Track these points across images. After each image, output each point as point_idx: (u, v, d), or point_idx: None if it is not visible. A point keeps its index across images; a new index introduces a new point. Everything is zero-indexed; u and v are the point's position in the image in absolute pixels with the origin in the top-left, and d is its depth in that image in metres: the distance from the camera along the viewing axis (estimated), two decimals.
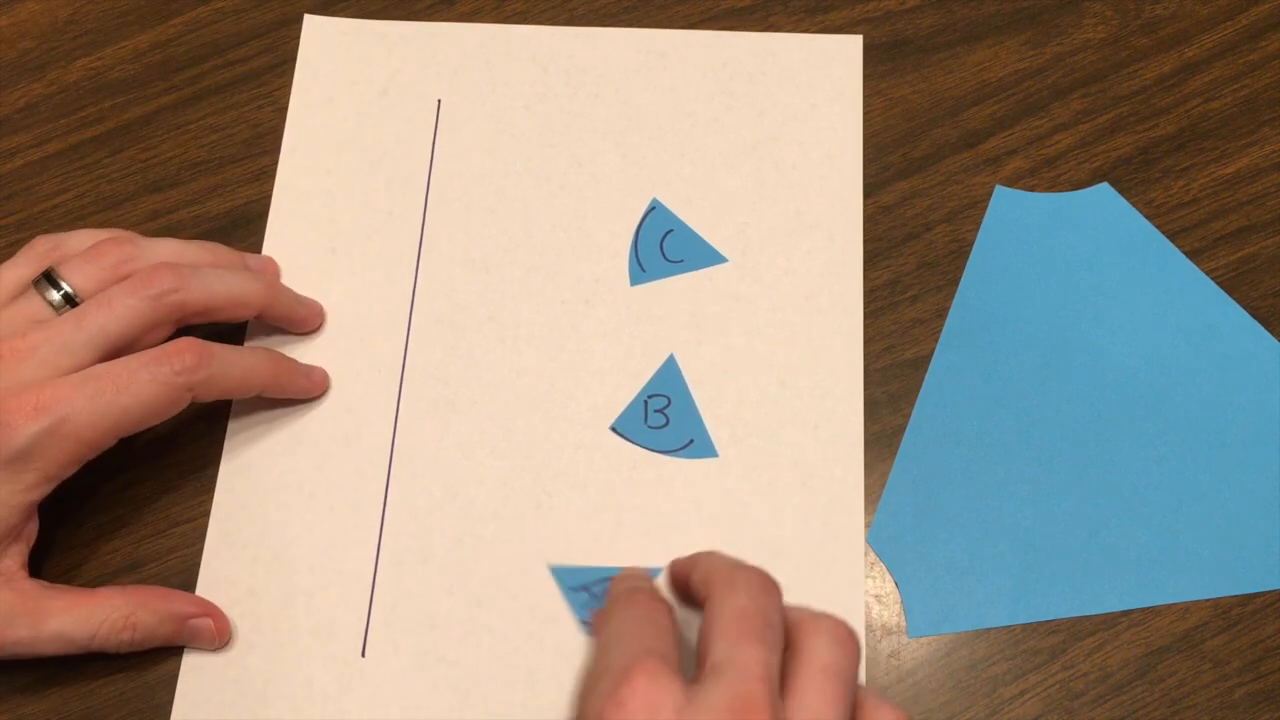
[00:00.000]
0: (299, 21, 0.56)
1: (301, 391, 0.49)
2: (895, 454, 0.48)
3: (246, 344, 0.50)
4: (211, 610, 0.46)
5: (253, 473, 0.48)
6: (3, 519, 0.42)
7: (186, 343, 0.44)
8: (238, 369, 0.45)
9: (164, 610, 0.45)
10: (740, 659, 0.35)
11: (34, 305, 0.45)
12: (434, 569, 0.47)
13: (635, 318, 0.50)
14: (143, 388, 0.43)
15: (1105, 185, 0.52)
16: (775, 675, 0.36)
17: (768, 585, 0.39)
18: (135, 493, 0.48)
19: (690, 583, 0.41)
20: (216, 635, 0.45)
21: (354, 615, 0.46)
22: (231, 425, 0.49)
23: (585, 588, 0.47)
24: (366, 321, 0.51)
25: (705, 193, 0.52)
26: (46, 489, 0.43)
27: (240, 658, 0.46)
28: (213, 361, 0.44)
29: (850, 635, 0.38)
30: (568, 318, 0.50)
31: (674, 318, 0.50)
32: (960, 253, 0.51)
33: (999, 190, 0.52)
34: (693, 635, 0.40)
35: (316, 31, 0.56)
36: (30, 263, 0.46)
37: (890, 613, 0.46)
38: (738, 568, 0.39)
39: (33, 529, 0.44)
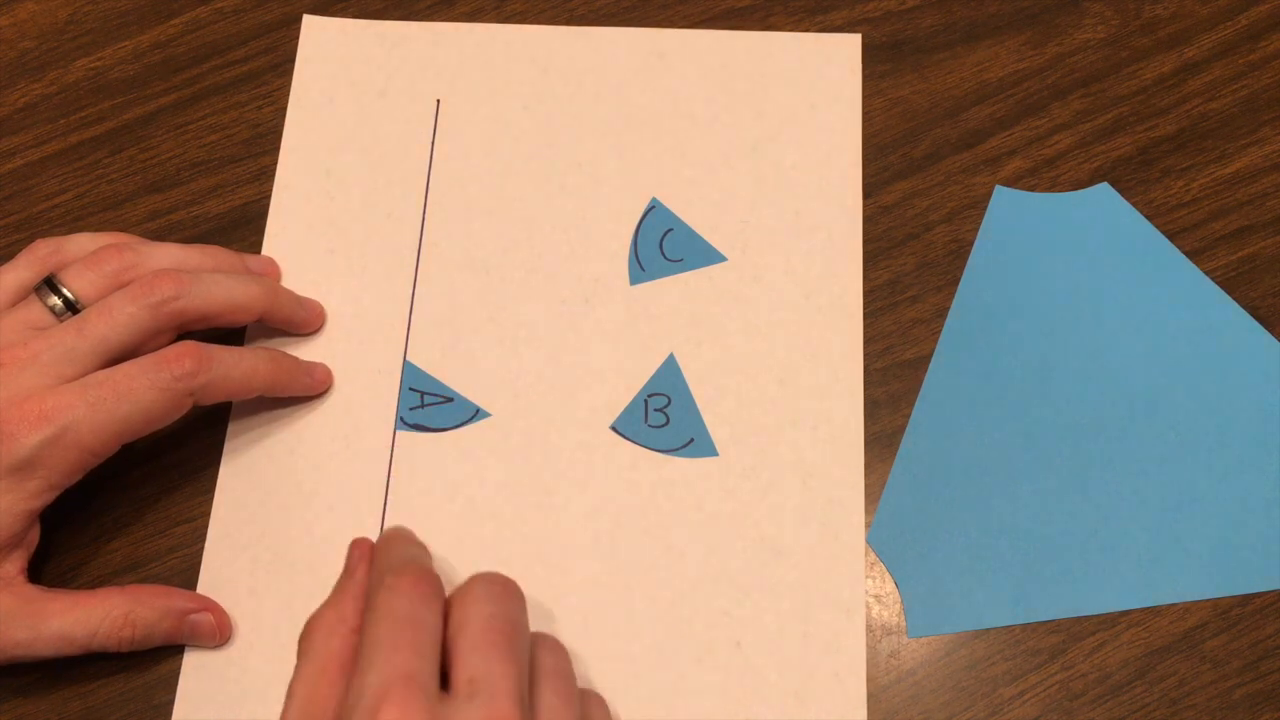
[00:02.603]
0: (299, 21, 0.56)
1: (304, 390, 0.49)
2: (895, 454, 0.48)
3: (247, 344, 0.50)
4: (211, 606, 0.46)
5: (253, 473, 0.48)
6: (6, 526, 0.43)
7: (186, 348, 0.44)
8: (238, 372, 0.45)
9: (163, 606, 0.45)
10: (493, 674, 0.36)
11: (35, 311, 0.45)
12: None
13: (635, 317, 0.50)
14: (143, 394, 0.43)
15: (1105, 185, 0.52)
16: (525, 690, 0.36)
17: (511, 590, 0.39)
18: (135, 493, 0.48)
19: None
20: (217, 631, 0.45)
21: None
22: (232, 425, 0.49)
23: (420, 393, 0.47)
24: (366, 321, 0.51)
25: (705, 192, 0.52)
26: (50, 497, 0.43)
27: (241, 658, 0.46)
28: (213, 366, 0.44)
29: (559, 645, 0.40)
30: (567, 317, 0.50)
31: (674, 317, 0.50)
32: (960, 253, 0.51)
33: (999, 190, 0.52)
34: None
35: (316, 31, 0.56)
36: (30, 266, 0.46)
37: (890, 613, 0.46)
38: (478, 577, 0.39)
39: (34, 535, 0.44)
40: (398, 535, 0.43)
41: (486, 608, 0.38)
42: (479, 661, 0.36)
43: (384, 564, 0.40)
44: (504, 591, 0.39)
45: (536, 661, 0.39)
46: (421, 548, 0.42)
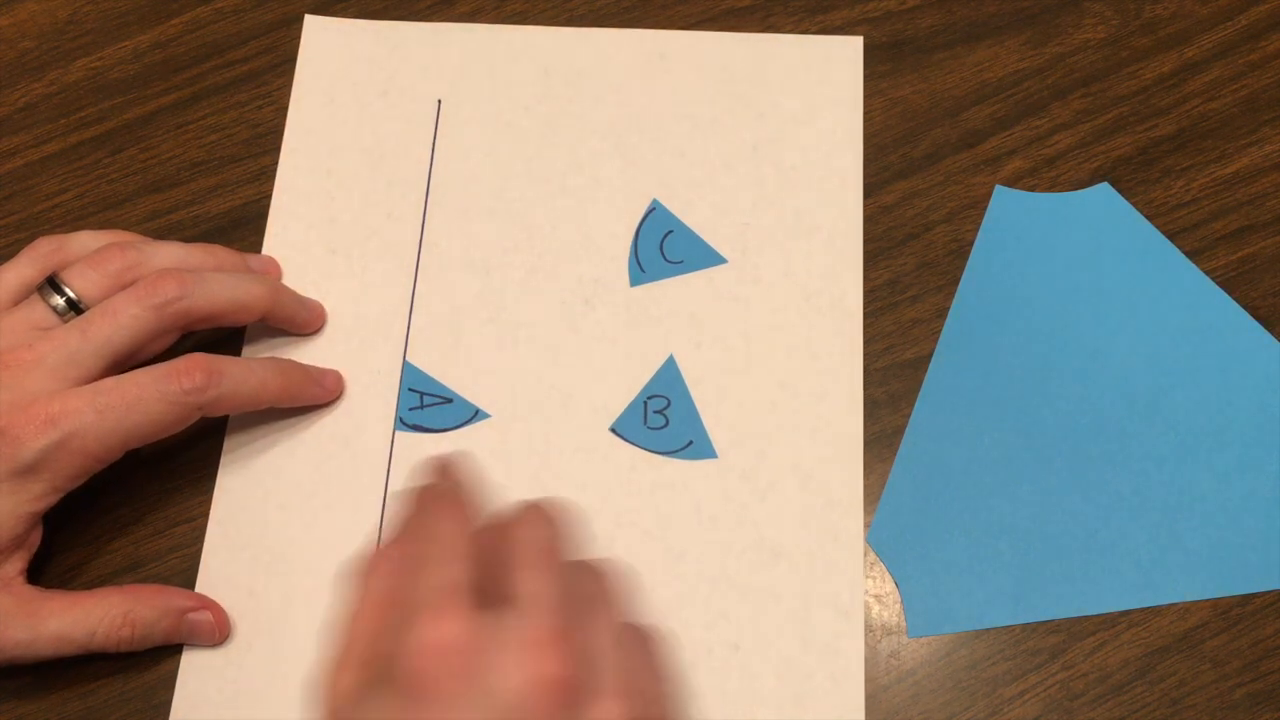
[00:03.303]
0: (299, 21, 0.56)
1: (314, 400, 0.49)
2: (895, 454, 0.48)
3: (247, 343, 0.50)
4: (210, 604, 0.46)
5: (252, 473, 0.48)
6: (9, 528, 0.43)
7: (197, 361, 0.44)
8: (248, 386, 0.45)
9: (162, 606, 0.45)
10: (540, 591, 0.36)
11: (38, 312, 0.45)
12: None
13: (635, 319, 0.50)
14: (152, 406, 0.43)
15: (1105, 185, 0.52)
16: (564, 604, 0.36)
17: (554, 516, 0.39)
18: (135, 493, 0.48)
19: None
20: (216, 629, 0.45)
21: None
22: (231, 425, 0.49)
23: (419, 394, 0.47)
24: (366, 321, 0.51)
25: (705, 193, 0.52)
26: (53, 500, 0.43)
27: (239, 657, 0.46)
28: (223, 380, 0.44)
29: (616, 572, 0.39)
30: (568, 318, 0.50)
31: (674, 318, 0.50)
32: (960, 253, 0.51)
33: (999, 190, 0.52)
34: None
35: (317, 31, 0.56)
36: (32, 265, 0.46)
37: (890, 613, 0.46)
38: (523, 504, 0.39)
39: (36, 537, 0.44)
40: (441, 467, 0.42)
41: (534, 531, 0.38)
42: (524, 580, 0.36)
43: (428, 493, 0.40)
44: (552, 517, 0.39)
45: (586, 588, 0.38)
46: (463, 481, 0.42)
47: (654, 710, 0.37)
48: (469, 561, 0.37)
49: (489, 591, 0.36)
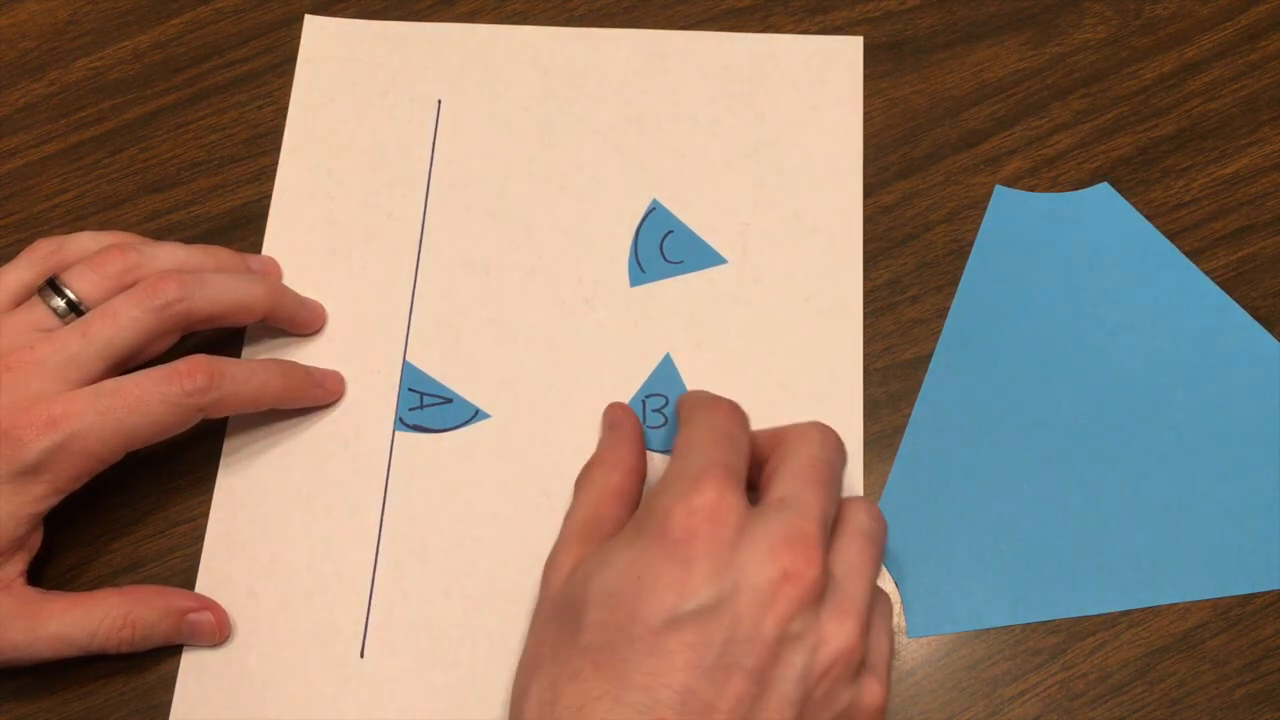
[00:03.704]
0: (299, 21, 0.56)
1: (315, 401, 0.49)
2: (895, 454, 0.48)
3: (247, 344, 0.50)
4: (210, 605, 0.46)
5: (252, 473, 0.48)
6: (9, 529, 0.43)
7: (199, 363, 0.44)
8: (249, 388, 0.46)
9: (162, 606, 0.45)
10: (804, 498, 0.39)
11: (38, 313, 0.45)
12: (432, 570, 0.47)
13: (635, 319, 0.50)
14: (154, 407, 0.43)
15: (1105, 185, 0.52)
16: (830, 522, 0.40)
17: (839, 442, 0.43)
18: (135, 494, 0.48)
19: (755, 444, 0.43)
20: (216, 630, 0.45)
21: (352, 616, 0.46)
22: (231, 426, 0.49)
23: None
24: (366, 322, 0.51)
25: (705, 194, 0.52)
26: (54, 501, 0.43)
27: (239, 658, 0.46)
28: (224, 382, 0.44)
29: (881, 516, 0.42)
30: (567, 318, 0.50)
31: (674, 319, 0.50)
32: (960, 253, 0.51)
33: (999, 190, 0.52)
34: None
35: (317, 31, 0.56)
36: (32, 266, 0.46)
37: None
38: (813, 424, 0.43)
39: (36, 539, 0.44)
40: (701, 390, 0.46)
41: (813, 449, 0.41)
42: (795, 487, 0.40)
43: (698, 395, 0.44)
44: (832, 441, 0.42)
45: (852, 518, 0.41)
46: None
47: (877, 656, 0.40)
48: (740, 454, 0.41)
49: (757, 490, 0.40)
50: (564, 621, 0.39)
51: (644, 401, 0.49)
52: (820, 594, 0.38)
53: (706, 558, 0.37)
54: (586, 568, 0.40)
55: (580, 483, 0.46)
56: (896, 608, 0.46)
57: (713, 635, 0.36)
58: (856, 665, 0.38)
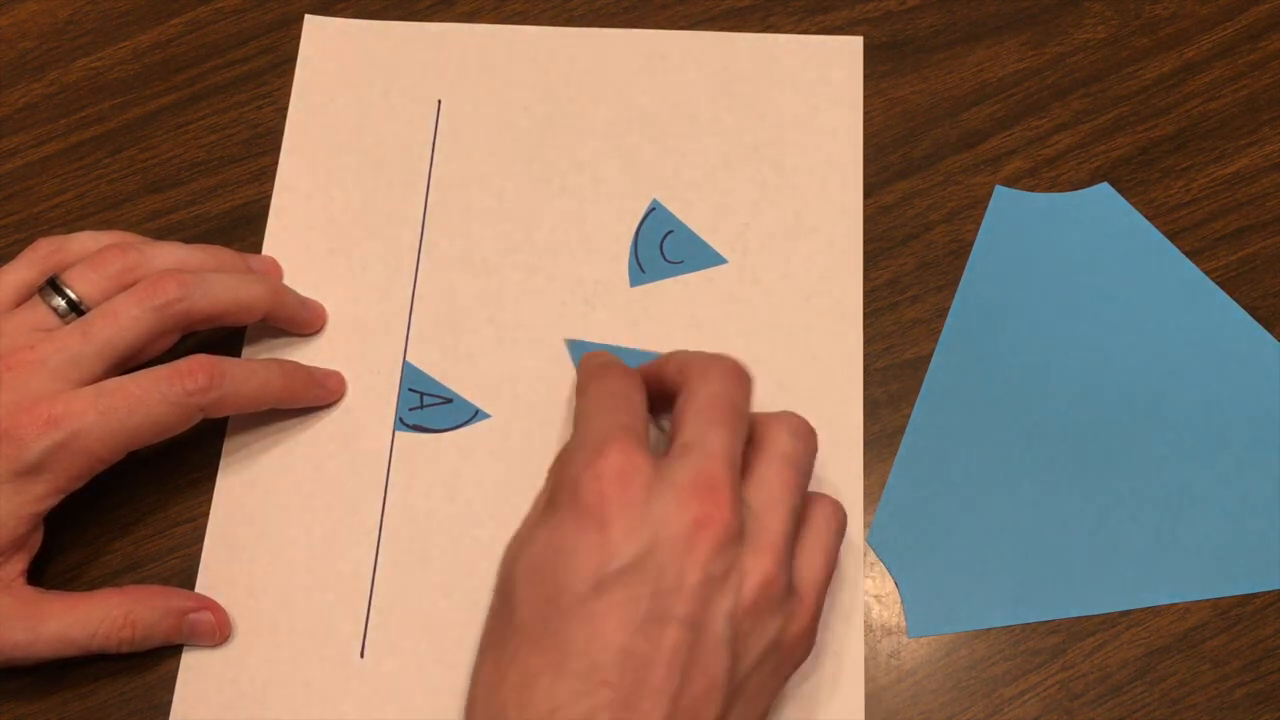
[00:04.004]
0: (299, 21, 0.56)
1: (316, 401, 0.49)
2: (895, 454, 0.48)
3: (247, 344, 0.50)
4: (210, 604, 0.46)
5: (252, 473, 0.48)
6: (10, 529, 0.43)
7: (200, 362, 0.44)
8: (250, 386, 0.46)
9: (162, 606, 0.45)
10: (707, 440, 0.39)
11: (39, 313, 0.45)
12: (433, 571, 0.47)
13: (635, 319, 0.50)
14: (155, 407, 0.43)
15: (1105, 185, 0.52)
16: (738, 458, 0.40)
17: (739, 374, 0.42)
18: (136, 493, 0.48)
19: (664, 376, 0.43)
20: (217, 630, 0.45)
21: (352, 616, 0.46)
22: (231, 426, 0.49)
23: None
24: (366, 321, 0.51)
25: (705, 194, 0.52)
26: (54, 500, 0.43)
27: (239, 658, 0.46)
28: (225, 381, 0.44)
29: (810, 431, 0.42)
30: (568, 319, 0.50)
31: (674, 319, 0.50)
32: (960, 253, 0.51)
33: (999, 190, 0.52)
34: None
35: (317, 31, 0.56)
36: (32, 266, 0.46)
37: (890, 613, 0.46)
38: (712, 358, 0.43)
39: (37, 539, 0.44)
40: (598, 352, 0.47)
41: (712, 385, 0.41)
42: (695, 428, 0.40)
43: (591, 362, 0.45)
44: (730, 372, 0.42)
45: (774, 443, 0.41)
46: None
47: (805, 577, 0.41)
48: (638, 413, 0.41)
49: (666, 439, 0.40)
50: (500, 604, 0.40)
51: None
52: (737, 532, 0.38)
53: (620, 518, 0.38)
54: (511, 549, 0.41)
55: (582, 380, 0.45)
56: (896, 608, 0.46)
57: (639, 592, 0.37)
58: (780, 595, 0.39)
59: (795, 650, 0.40)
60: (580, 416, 0.42)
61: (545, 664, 0.37)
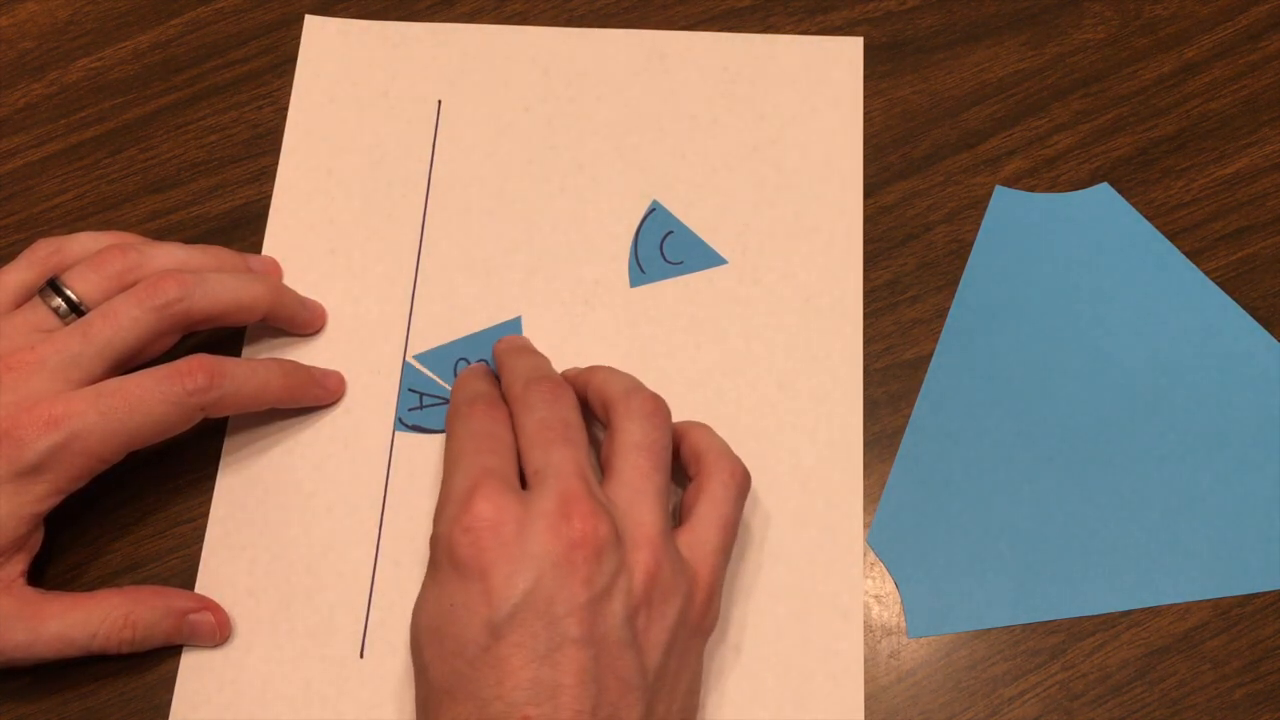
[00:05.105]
0: (299, 21, 0.56)
1: (316, 401, 0.49)
2: (895, 454, 0.48)
3: (247, 344, 0.50)
4: (210, 605, 0.46)
5: (252, 473, 0.48)
6: (10, 529, 0.43)
7: (200, 362, 0.44)
8: (250, 386, 0.46)
9: (163, 607, 0.45)
10: (554, 461, 0.41)
11: (39, 314, 0.45)
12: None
13: (635, 319, 0.50)
14: (155, 407, 0.43)
15: (1105, 185, 0.52)
16: (586, 467, 0.41)
17: (557, 392, 0.44)
18: (136, 494, 0.48)
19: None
20: (216, 630, 0.45)
21: (352, 616, 0.46)
22: (231, 426, 0.49)
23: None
24: (366, 321, 0.51)
25: (705, 194, 0.52)
26: (55, 501, 0.43)
27: (239, 658, 0.46)
28: (225, 381, 0.44)
29: (655, 406, 0.43)
30: (567, 319, 0.50)
31: (674, 319, 0.50)
32: (960, 253, 0.51)
33: (999, 190, 0.52)
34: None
35: (317, 32, 0.56)
36: (32, 267, 0.46)
37: (890, 613, 0.46)
38: (529, 383, 0.44)
39: (37, 539, 0.44)
40: (470, 372, 0.48)
41: (537, 413, 0.43)
42: (539, 455, 0.42)
43: (457, 398, 0.46)
44: (551, 394, 0.44)
45: (624, 434, 0.43)
46: (493, 379, 0.47)
47: (697, 550, 0.42)
48: (501, 453, 0.42)
49: (523, 473, 0.42)
50: (417, 667, 0.41)
51: None
52: (611, 538, 0.39)
53: (499, 565, 0.39)
54: (413, 613, 0.42)
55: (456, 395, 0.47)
56: (896, 608, 0.46)
57: (534, 627, 0.38)
58: (669, 580, 0.40)
59: (701, 623, 0.42)
60: (447, 462, 0.43)
61: (468, 712, 0.38)
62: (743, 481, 0.44)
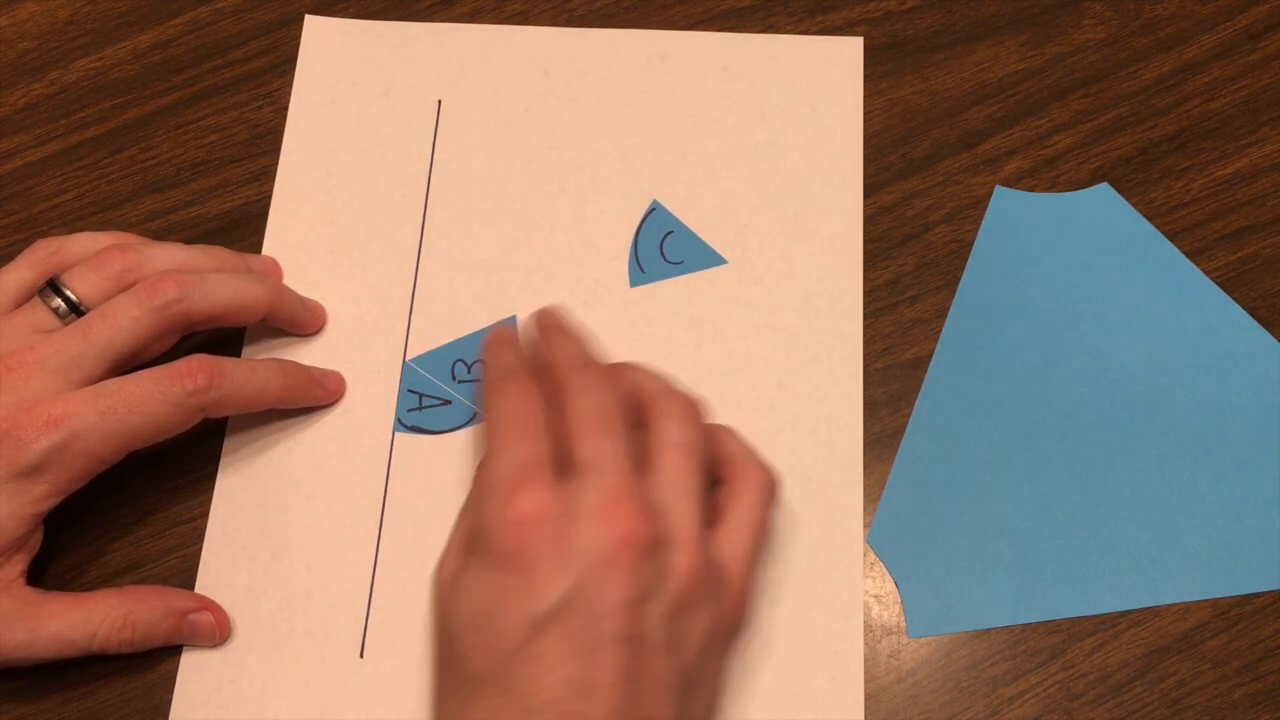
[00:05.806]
0: (299, 21, 0.56)
1: (316, 401, 0.49)
2: (895, 454, 0.48)
3: (247, 344, 0.50)
4: (210, 605, 0.46)
5: (252, 473, 0.48)
6: (10, 530, 0.43)
7: (200, 362, 0.44)
8: (250, 386, 0.46)
9: (162, 607, 0.45)
10: (599, 453, 0.40)
11: (38, 314, 0.45)
12: (432, 570, 0.47)
13: (635, 319, 0.50)
14: (155, 407, 0.43)
15: (1105, 185, 0.52)
16: (627, 462, 0.41)
17: (605, 382, 0.43)
18: (135, 494, 0.48)
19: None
20: (216, 630, 0.45)
21: (352, 616, 0.46)
22: (231, 426, 0.49)
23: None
24: (366, 321, 0.51)
25: (705, 194, 0.52)
26: (55, 501, 0.43)
27: (239, 658, 0.46)
28: (224, 381, 0.44)
29: (692, 408, 0.43)
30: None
31: (674, 319, 0.50)
32: (960, 253, 0.51)
33: (999, 190, 0.52)
34: None
35: (317, 32, 0.56)
36: (31, 267, 0.46)
37: (890, 613, 0.46)
38: (583, 366, 0.44)
39: (37, 539, 0.44)
40: (499, 341, 0.46)
41: (581, 399, 0.42)
42: (585, 446, 0.41)
43: (492, 373, 0.45)
44: (597, 382, 0.43)
45: (664, 434, 0.42)
46: (520, 347, 0.46)
47: (732, 555, 0.42)
48: (541, 437, 0.41)
49: (565, 462, 0.40)
50: (448, 653, 0.40)
51: None
52: (656, 539, 0.39)
53: (544, 558, 0.38)
54: (449, 602, 0.41)
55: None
56: (896, 608, 0.46)
57: (574, 624, 0.38)
58: (706, 583, 0.40)
59: (731, 627, 0.42)
60: (489, 440, 0.42)
61: (502, 706, 0.38)
62: (773, 488, 0.43)
